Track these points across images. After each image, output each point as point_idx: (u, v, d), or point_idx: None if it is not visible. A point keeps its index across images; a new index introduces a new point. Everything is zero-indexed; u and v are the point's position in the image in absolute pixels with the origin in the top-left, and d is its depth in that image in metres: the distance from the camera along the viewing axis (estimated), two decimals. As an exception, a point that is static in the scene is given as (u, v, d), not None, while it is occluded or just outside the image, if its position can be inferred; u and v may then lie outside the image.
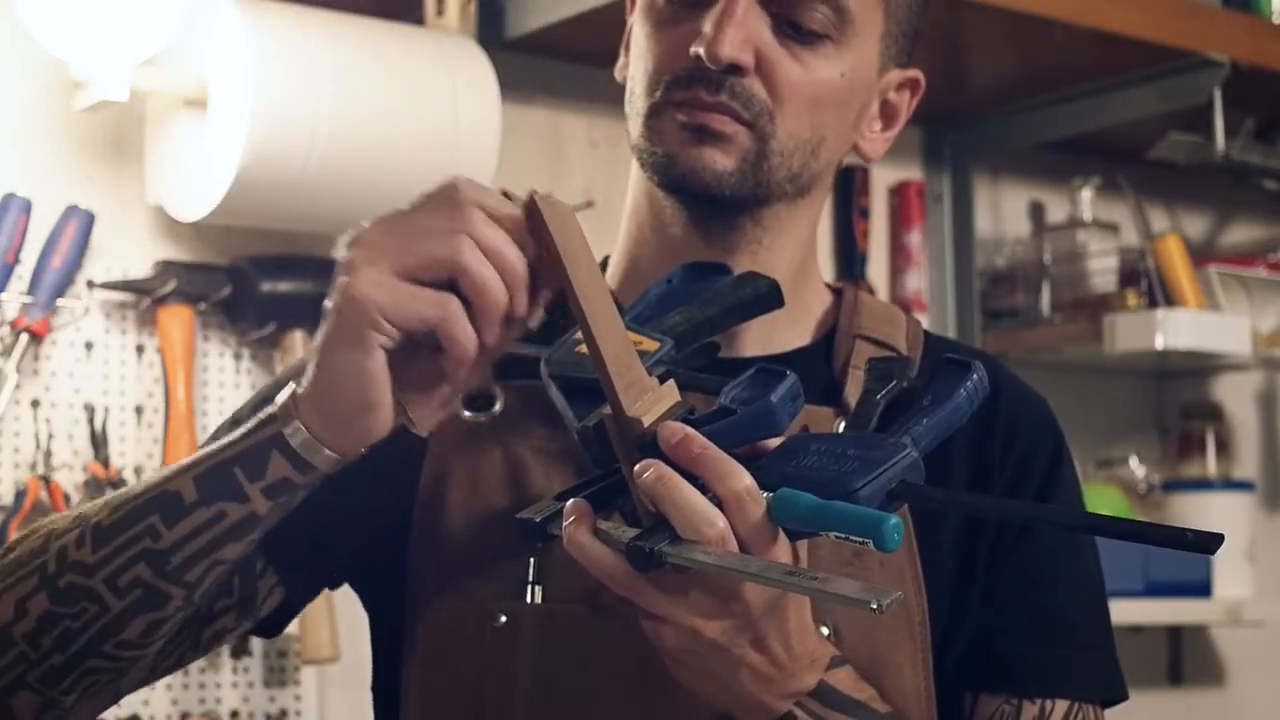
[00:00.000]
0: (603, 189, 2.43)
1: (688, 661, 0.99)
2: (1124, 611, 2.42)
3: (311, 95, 1.98)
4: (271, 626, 1.21)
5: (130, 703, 2.05)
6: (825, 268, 2.62)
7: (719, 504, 0.94)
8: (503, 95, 2.13)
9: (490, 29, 2.26)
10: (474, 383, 1.01)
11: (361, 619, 1.26)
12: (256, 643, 2.13)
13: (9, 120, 2.05)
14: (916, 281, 2.73)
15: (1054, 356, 2.70)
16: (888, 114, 1.25)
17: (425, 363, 0.96)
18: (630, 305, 1.14)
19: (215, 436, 1.16)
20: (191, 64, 2.01)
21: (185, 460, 1.04)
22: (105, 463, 2.05)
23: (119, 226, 2.10)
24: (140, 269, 2.10)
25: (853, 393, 1.17)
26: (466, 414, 1.18)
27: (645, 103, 1.17)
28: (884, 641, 1.13)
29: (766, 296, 1.15)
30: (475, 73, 2.11)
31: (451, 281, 0.95)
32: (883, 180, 2.74)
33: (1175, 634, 2.97)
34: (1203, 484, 2.87)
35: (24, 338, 2.00)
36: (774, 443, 1.00)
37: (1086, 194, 2.78)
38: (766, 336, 1.21)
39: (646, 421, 0.97)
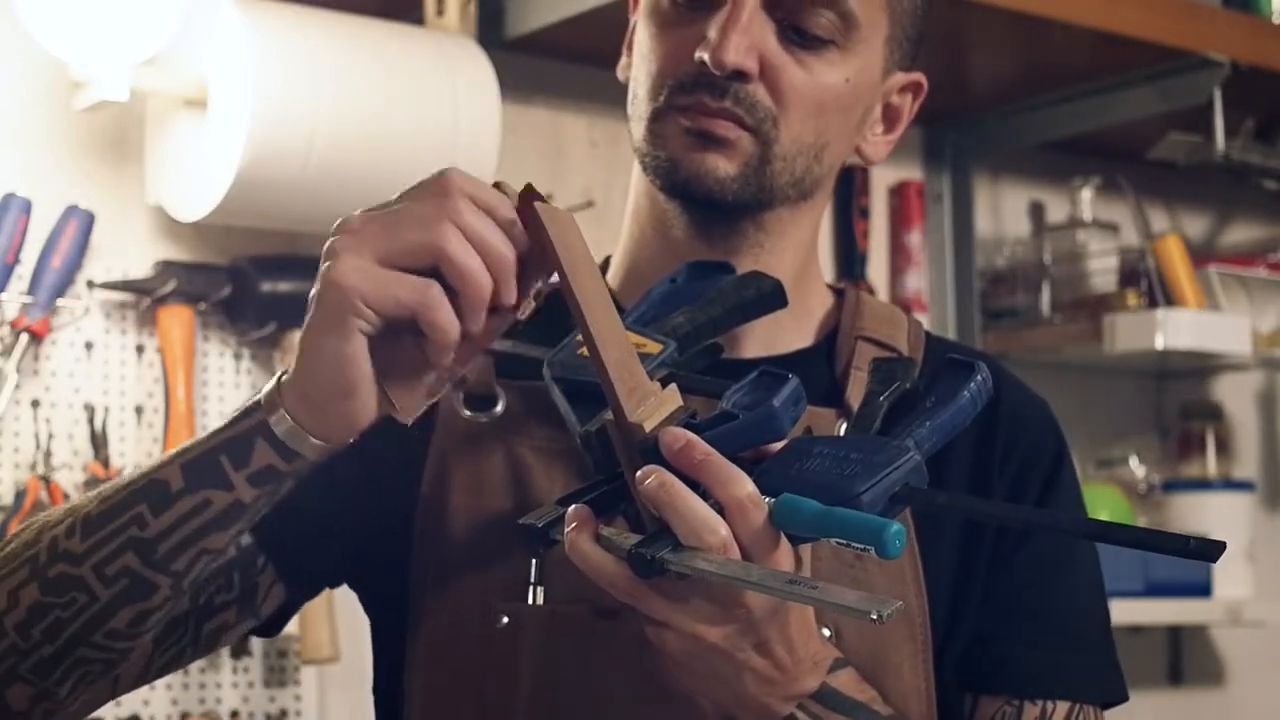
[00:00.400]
0: (603, 189, 2.43)
1: (691, 666, 0.99)
2: (1124, 611, 2.43)
3: (311, 95, 1.98)
4: (271, 625, 1.21)
5: (130, 702, 2.05)
6: (825, 268, 2.62)
7: (721, 510, 0.94)
8: (503, 95, 2.13)
9: (490, 29, 2.26)
10: (460, 371, 1.00)
11: (362, 619, 1.26)
12: (256, 643, 2.13)
13: (9, 120, 2.05)
14: (916, 281, 2.73)
15: (1054, 356, 2.70)
16: (890, 117, 1.25)
17: (409, 350, 0.96)
18: (634, 305, 1.14)
19: None
20: (191, 64, 2.01)
21: (176, 449, 1.04)
22: (105, 463, 2.05)
23: (119, 226, 2.10)
24: (140, 269, 2.10)
25: (855, 394, 1.17)
26: (468, 413, 1.18)
27: (649, 106, 1.17)
28: (884, 643, 1.13)
29: (770, 296, 1.15)
30: (475, 73, 2.11)
31: (436, 270, 0.94)
32: (883, 180, 2.74)
33: (1175, 634, 2.97)
34: (1203, 484, 2.87)
35: (24, 338, 2.00)
36: (776, 446, 0.99)
37: (1086, 194, 2.78)
38: (769, 338, 1.21)
39: (648, 427, 0.97)
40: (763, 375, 1.02)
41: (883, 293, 2.72)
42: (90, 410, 2.06)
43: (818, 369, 1.21)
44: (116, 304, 2.10)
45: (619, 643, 1.09)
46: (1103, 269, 2.73)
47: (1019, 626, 1.17)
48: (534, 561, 1.12)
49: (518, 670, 1.12)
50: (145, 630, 1.05)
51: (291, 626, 1.29)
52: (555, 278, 0.98)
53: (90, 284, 2.07)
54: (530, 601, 1.12)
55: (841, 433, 1.16)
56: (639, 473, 0.95)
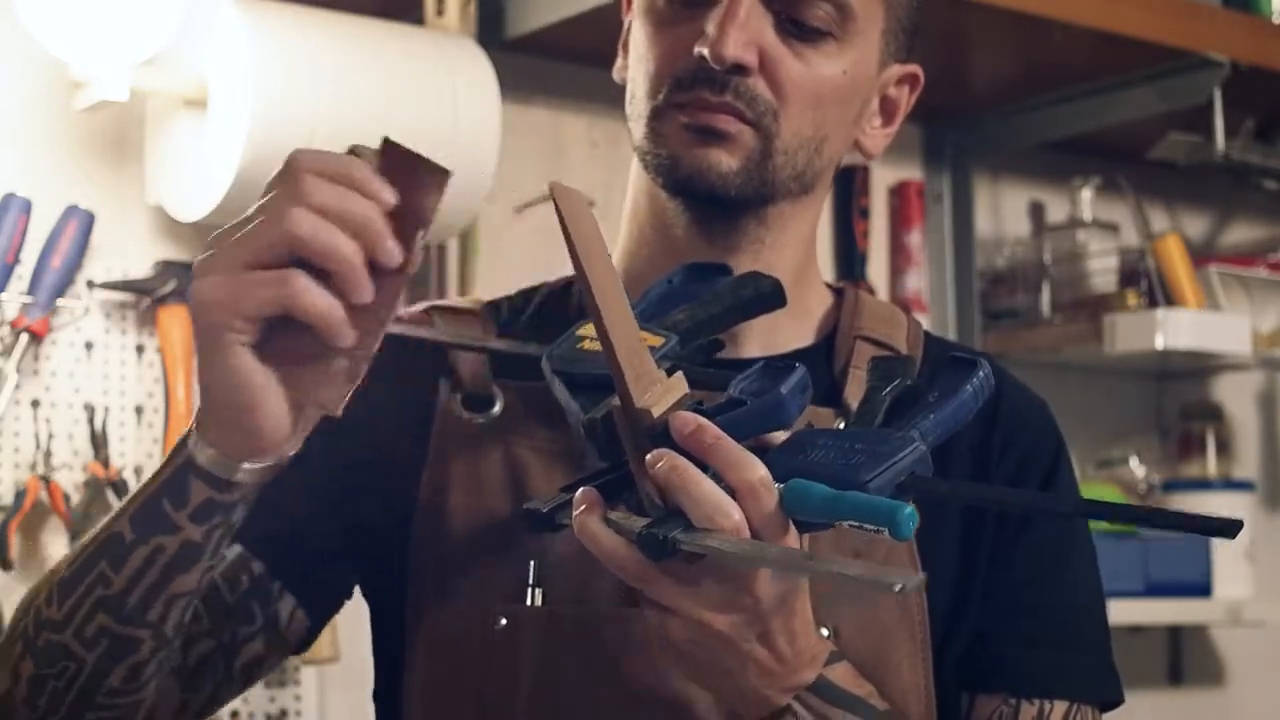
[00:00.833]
0: (603, 189, 2.43)
1: (693, 654, 0.98)
2: (1124, 611, 2.43)
3: (311, 95, 1.98)
4: (301, 646, 1.22)
5: (130, 703, 2.05)
6: (825, 268, 2.62)
7: (732, 494, 0.93)
8: (503, 95, 2.13)
9: (490, 29, 2.26)
10: (373, 345, 0.95)
11: (361, 619, 1.26)
12: (256, 643, 2.13)
13: (9, 120, 2.05)
14: (916, 281, 2.73)
15: (1054, 356, 2.70)
16: (887, 110, 1.25)
17: (308, 343, 0.92)
18: (632, 304, 1.14)
19: None
20: (191, 64, 2.01)
21: (127, 496, 1.03)
22: (105, 463, 2.05)
23: (119, 226, 2.10)
24: (140, 269, 2.10)
25: (854, 393, 1.17)
26: (466, 414, 1.18)
27: (648, 105, 1.17)
28: (884, 640, 1.13)
29: (769, 296, 1.15)
30: (475, 73, 2.11)
31: (300, 260, 0.91)
32: (883, 180, 2.74)
33: (1175, 634, 2.96)
34: (1203, 484, 2.87)
35: (24, 338, 2.00)
36: (779, 437, 1.00)
37: (1086, 194, 2.78)
38: (768, 337, 1.21)
39: (656, 413, 0.97)
40: (769, 366, 1.02)
41: (883, 293, 2.72)
42: (90, 410, 2.06)
43: (816, 368, 1.20)
44: (116, 304, 2.10)
45: (618, 644, 1.09)
46: (1103, 269, 2.73)
47: (1017, 625, 1.17)
48: (532, 563, 1.11)
49: (517, 672, 1.11)
50: (145, 682, 1.05)
51: (291, 626, 1.29)
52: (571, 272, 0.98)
53: (90, 284, 2.07)
54: (529, 603, 1.12)
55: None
56: (650, 455, 0.94)
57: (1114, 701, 1.20)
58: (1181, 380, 3.03)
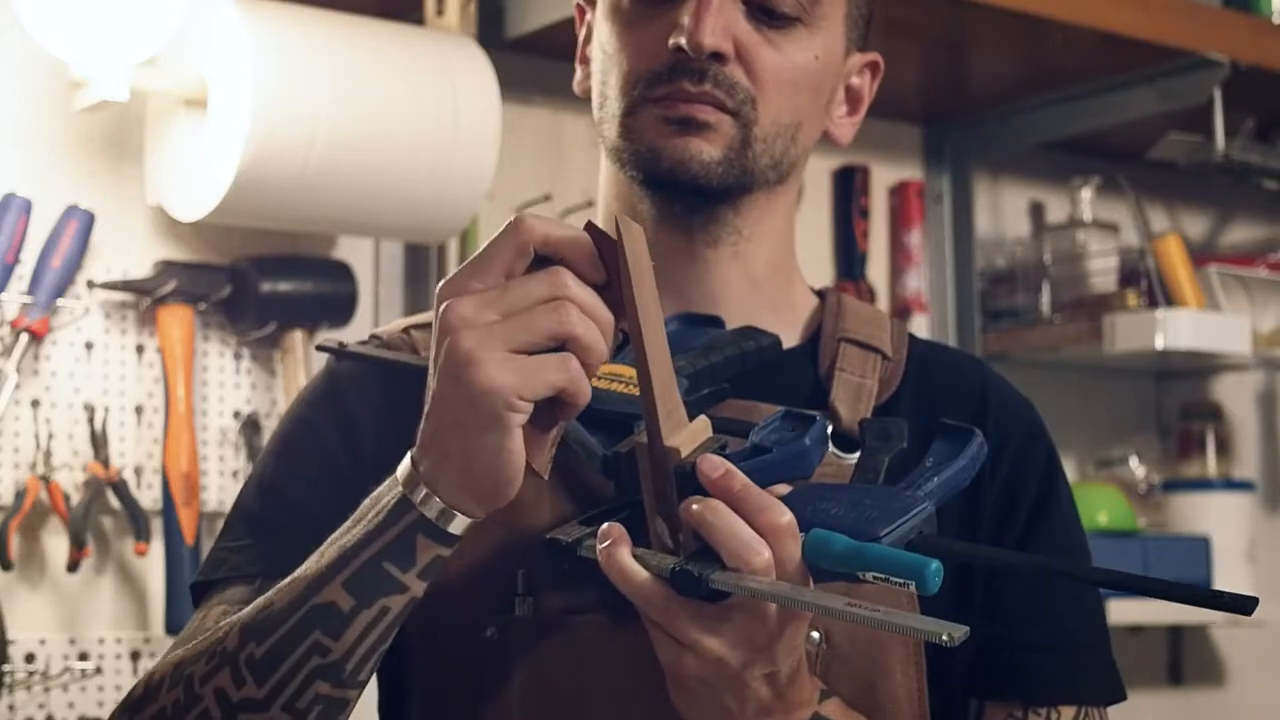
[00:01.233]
0: (603, 189, 2.43)
1: (698, 692, 0.98)
2: (1124, 611, 2.43)
3: (311, 95, 1.98)
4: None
5: (130, 703, 2.05)
6: (825, 268, 2.62)
7: None
8: (503, 95, 2.13)
9: (490, 29, 2.26)
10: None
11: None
12: (256, 643, 2.13)
13: (9, 120, 2.05)
14: (916, 281, 2.73)
15: (1054, 356, 2.70)
16: (852, 98, 1.25)
17: (542, 414, 0.97)
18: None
19: (225, 533, 1.17)
20: (191, 64, 2.01)
21: (317, 565, 1.02)
22: (105, 463, 2.05)
23: (119, 226, 2.10)
24: (140, 269, 2.10)
25: (839, 397, 1.17)
26: None
27: (621, 103, 1.17)
28: (877, 645, 1.12)
29: (769, 350, 1.17)
30: (475, 73, 2.11)
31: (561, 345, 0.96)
32: (883, 180, 2.74)
33: (1175, 634, 2.97)
34: (1203, 484, 2.87)
35: (24, 338, 2.00)
36: (782, 488, 1.00)
37: (1086, 194, 2.78)
38: None
39: (683, 453, 0.97)
40: (789, 414, 1.04)
41: (883, 293, 2.72)
42: (90, 410, 2.06)
43: (801, 370, 1.21)
44: (116, 304, 2.10)
45: (606, 653, 1.09)
46: (1103, 269, 2.73)
47: (1023, 632, 1.17)
48: (520, 573, 1.11)
49: (507, 682, 1.11)
50: None
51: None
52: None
53: (90, 284, 2.07)
54: (518, 613, 1.12)
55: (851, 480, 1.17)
56: (686, 500, 0.95)
57: (1118, 699, 1.20)
58: (1181, 380, 3.03)
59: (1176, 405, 2.99)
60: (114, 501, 2.04)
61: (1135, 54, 2.42)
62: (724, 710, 0.99)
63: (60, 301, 2.03)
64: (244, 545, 1.16)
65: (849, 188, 2.67)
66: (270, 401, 2.18)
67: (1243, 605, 0.91)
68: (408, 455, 0.99)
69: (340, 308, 2.18)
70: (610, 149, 1.19)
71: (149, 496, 2.08)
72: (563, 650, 1.11)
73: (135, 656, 2.07)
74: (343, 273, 2.19)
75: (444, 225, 2.15)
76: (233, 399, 2.16)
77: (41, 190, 2.04)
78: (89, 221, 2.04)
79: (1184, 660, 2.98)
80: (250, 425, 2.15)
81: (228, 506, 2.12)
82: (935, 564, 0.91)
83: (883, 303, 2.70)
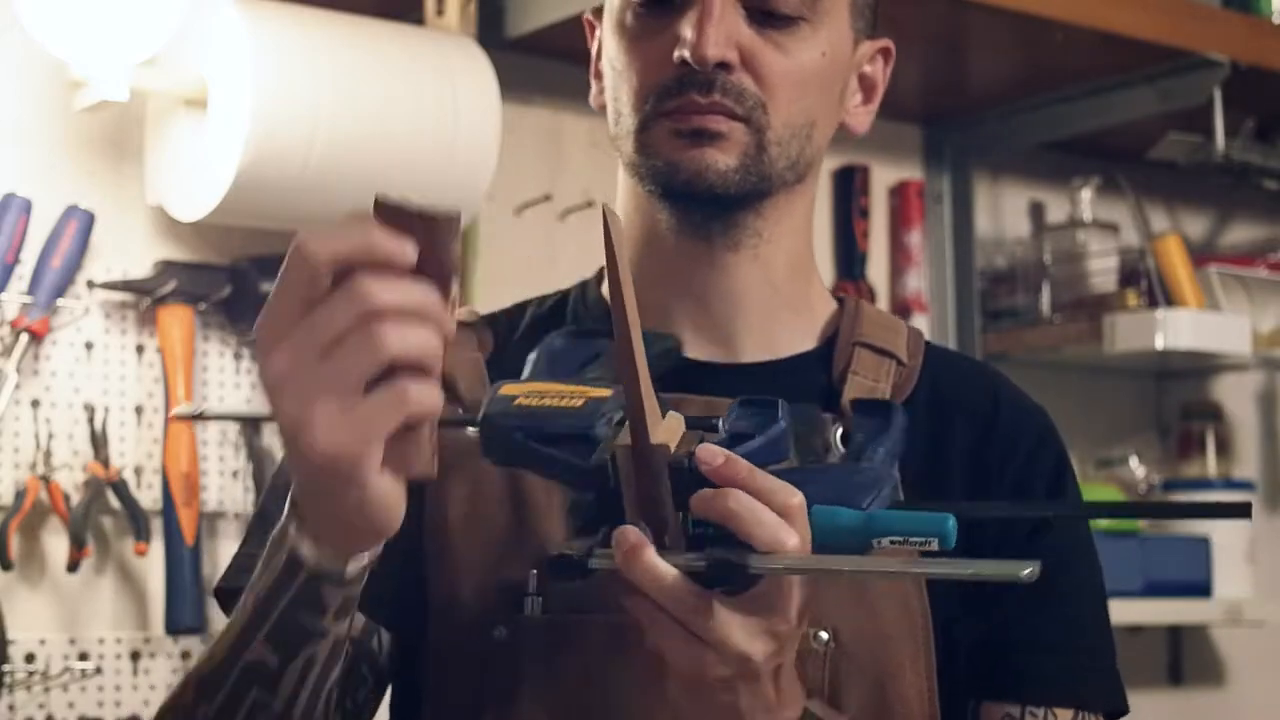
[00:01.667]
0: (603, 189, 2.43)
1: (713, 694, 0.97)
2: (1124, 611, 2.42)
3: (311, 95, 1.98)
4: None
5: (130, 702, 2.05)
6: (825, 268, 2.62)
7: None
8: (503, 95, 2.13)
9: (490, 29, 2.26)
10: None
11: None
12: (256, 643, 2.13)
13: (9, 120, 2.05)
14: (916, 281, 2.73)
15: (1054, 356, 2.70)
16: (866, 86, 1.25)
17: (400, 436, 0.90)
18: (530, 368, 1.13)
19: (247, 539, 1.21)
20: (191, 64, 2.01)
21: (242, 616, 1.00)
22: (105, 463, 2.05)
23: (119, 226, 2.10)
24: (140, 269, 2.10)
25: (850, 398, 1.17)
26: (472, 430, 1.19)
27: (635, 119, 1.17)
28: (884, 644, 1.12)
29: (666, 355, 1.15)
30: (475, 73, 2.11)
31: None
32: (883, 180, 2.74)
33: (1175, 634, 2.97)
34: (1203, 484, 2.87)
35: (24, 338, 2.00)
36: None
37: (1086, 194, 2.78)
38: (769, 340, 1.21)
39: (657, 438, 0.96)
40: (747, 403, 1.03)
41: (883, 293, 2.72)
42: (90, 410, 2.06)
43: (814, 373, 1.21)
44: (116, 304, 2.10)
45: (617, 652, 1.09)
46: (1103, 269, 2.73)
47: (1024, 632, 1.17)
48: (532, 573, 1.11)
49: (516, 682, 1.12)
50: None
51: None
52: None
53: (90, 284, 2.07)
54: (528, 613, 1.12)
55: (838, 438, 1.16)
56: (701, 492, 0.93)
57: (1119, 711, 1.20)
58: (1181, 380, 3.03)
59: (1176, 405, 2.99)
60: (114, 501, 2.04)
61: (1135, 54, 2.42)
62: (734, 711, 0.97)
63: (60, 301, 2.03)
64: (259, 554, 1.17)
65: (849, 188, 2.67)
66: (270, 401, 2.18)
67: (1240, 511, 0.90)
68: (288, 502, 0.96)
69: (340, 308, 2.18)
70: (627, 164, 1.20)
71: (149, 496, 2.08)
72: (573, 650, 1.11)
73: (135, 656, 2.07)
74: (343, 273, 2.19)
75: (444, 225, 2.15)
76: (233, 399, 2.16)
77: (41, 190, 2.04)
78: (89, 221, 2.04)
79: (1184, 660, 2.98)
80: (250, 425, 2.15)
81: (228, 506, 2.14)
82: (951, 519, 0.90)
83: (883, 303, 2.70)
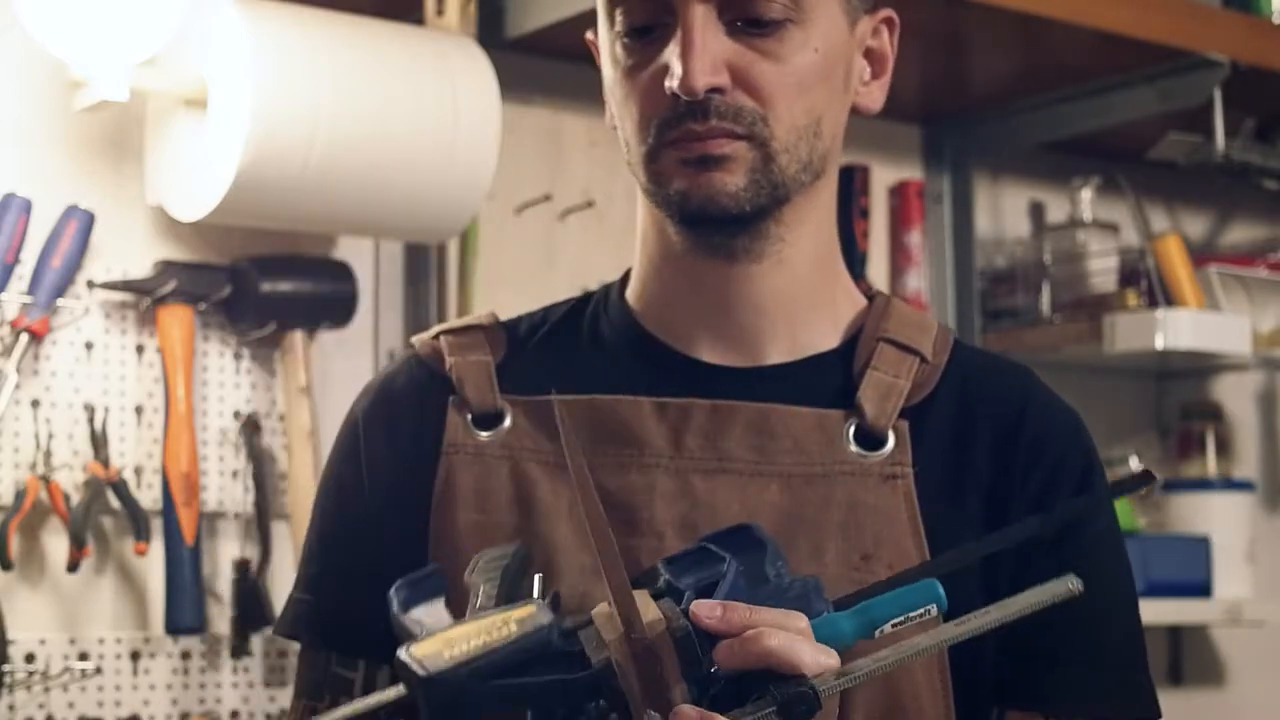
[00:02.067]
0: (603, 189, 2.43)
1: None
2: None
3: (311, 95, 1.98)
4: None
5: (130, 702, 2.05)
6: (825, 268, 2.61)
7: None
8: (503, 95, 2.13)
9: (490, 29, 2.26)
10: None
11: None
12: (257, 642, 2.13)
13: (9, 120, 2.05)
14: (916, 281, 2.73)
15: (1054, 356, 2.70)
16: (876, 61, 1.23)
17: None
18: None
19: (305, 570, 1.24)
20: (191, 64, 2.01)
21: None
22: (105, 463, 2.04)
23: (119, 226, 2.10)
24: (140, 269, 2.10)
25: (866, 394, 1.17)
26: (481, 434, 1.19)
27: (641, 150, 1.17)
28: (900, 675, 1.11)
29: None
30: (475, 73, 2.11)
31: None
32: (883, 180, 2.74)
33: (1175, 634, 2.96)
34: (1203, 484, 2.87)
35: (24, 338, 2.00)
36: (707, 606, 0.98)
37: (1086, 194, 2.78)
38: (794, 339, 1.21)
39: (657, 629, 0.96)
40: (676, 559, 1.03)
41: (883, 293, 2.72)
42: (90, 410, 2.06)
43: (834, 371, 1.20)
44: (116, 304, 2.10)
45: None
46: (1103, 269, 2.73)
47: (1049, 640, 1.14)
48: (537, 576, 1.12)
49: None
50: None
51: (291, 627, 1.29)
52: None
53: (90, 284, 2.07)
54: None
55: (851, 435, 1.16)
56: (727, 644, 0.94)
57: (1149, 718, 1.18)
58: (1181, 380, 3.03)
59: (1176, 405, 2.99)
60: (114, 501, 2.04)
61: (1135, 54, 2.42)
62: None
63: (60, 301, 2.03)
64: (304, 600, 1.24)
65: (849, 188, 2.66)
66: (270, 401, 2.18)
67: (1143, 481, 0.91)
68: None
69: (340, 308, 2.18)
70: (643, 190, 1.19)
71: (149, 496, 2.08)
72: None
73: (135, 656, 2.07)
74: (343, 273, 2.19)
75: (444, 225, 2.15)
76: (233, 399, 2.16)
77: (41, 190, 2.04)
78: (89, 221, 2.04)
79: (1184, 660, 2.98)
80: (250, 425, 2.15)
81: (228, 506, 2.14)
82: (934, 583, 0.92)
83: (883, 303, 2.70)
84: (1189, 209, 3.09)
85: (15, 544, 1.98)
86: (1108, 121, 2.59)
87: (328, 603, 1.22)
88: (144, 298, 2.08)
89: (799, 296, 1.20)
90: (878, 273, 2.72)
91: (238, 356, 2.17)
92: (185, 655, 2.10)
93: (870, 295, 1.26)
